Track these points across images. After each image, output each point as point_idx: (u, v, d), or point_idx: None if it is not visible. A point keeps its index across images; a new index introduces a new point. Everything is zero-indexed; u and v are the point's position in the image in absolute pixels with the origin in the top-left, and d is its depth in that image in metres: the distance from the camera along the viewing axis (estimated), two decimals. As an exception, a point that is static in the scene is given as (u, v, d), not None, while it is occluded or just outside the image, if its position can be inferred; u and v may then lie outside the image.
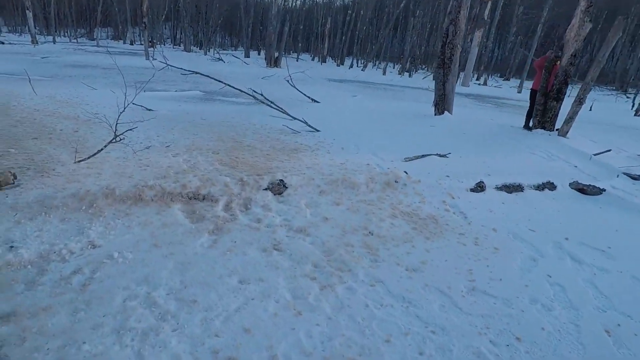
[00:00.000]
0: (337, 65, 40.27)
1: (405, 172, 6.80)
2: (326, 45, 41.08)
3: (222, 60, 29.73)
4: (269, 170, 6.75)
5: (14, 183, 5.32)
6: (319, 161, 7.68)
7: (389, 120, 12.22)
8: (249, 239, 4.70)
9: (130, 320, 3.36)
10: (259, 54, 42.06)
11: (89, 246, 4.28)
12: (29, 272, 3.82)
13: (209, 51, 39.30)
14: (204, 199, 5.34)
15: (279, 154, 8.07)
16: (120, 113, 7.07)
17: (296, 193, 5.83)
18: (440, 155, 8.43)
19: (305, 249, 4.62)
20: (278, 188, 5.75)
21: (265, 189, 5.70)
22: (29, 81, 11.55)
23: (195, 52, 42.18)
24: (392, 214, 5.64)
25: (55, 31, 43.67)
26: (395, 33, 54.83)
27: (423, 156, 8.30)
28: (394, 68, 41.24)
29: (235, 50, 49.97)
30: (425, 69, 43.12)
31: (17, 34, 47.94)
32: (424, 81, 31.30)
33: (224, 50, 43.93)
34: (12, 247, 4.04)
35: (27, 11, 34.50)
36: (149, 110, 10.78)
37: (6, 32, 49.50)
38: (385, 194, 6.22)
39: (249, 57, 35.42)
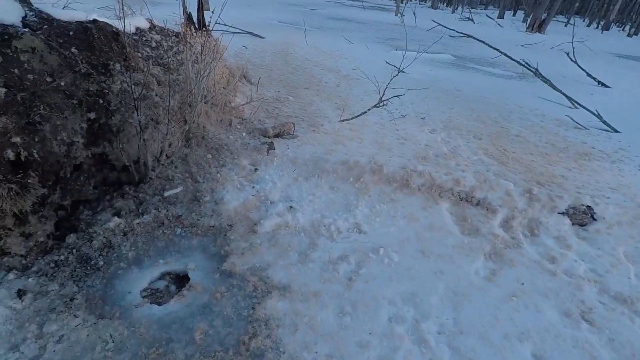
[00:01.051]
0: (629, 36, 30.09)
1: None
2: (617, 5, 30.31)
3: (472, 20, 26.54)
4: (552, 179, 5.02)
5: (292, 134, 5.52)
6: (628, 181, 5.34)
7: None
8: (542, 288, 3.38)
9: (397, 355, 2.73)
10: (513, 14, 35.98)
11: (355, 229, 3.91)
12: (302, 241, 3.70)
13: (456, 9, 36.20)
14: (477, 204, 4.25)
15: (562, 156, 6.06)
16: (392, 78, 6.53)
17: (609, 232, 4.02)
18: None
19: (634, 336, 2.99)
20: (581, 217, 4.08)
21: (562, 213, 4.12)
22: (304, 31, 12.65)
23: (442, 9, 39.68)
24: None
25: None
26: None
27: None
28: None
29: (485, 9, 44.51)
30: None
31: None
32: None
33: (473, 9, 39.66)
34: (291, 207, 4.03)
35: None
36: (401, 71, 10.14)
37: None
38: None
39: (502, 18, 30.62)
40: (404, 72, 10.13)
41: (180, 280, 3.37)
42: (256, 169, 4.52)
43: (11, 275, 2.98)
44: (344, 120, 6.26)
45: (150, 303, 3.03)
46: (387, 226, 3.97)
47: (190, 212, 3.84)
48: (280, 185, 4.35)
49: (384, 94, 6.37)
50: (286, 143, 5.20)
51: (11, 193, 2.83)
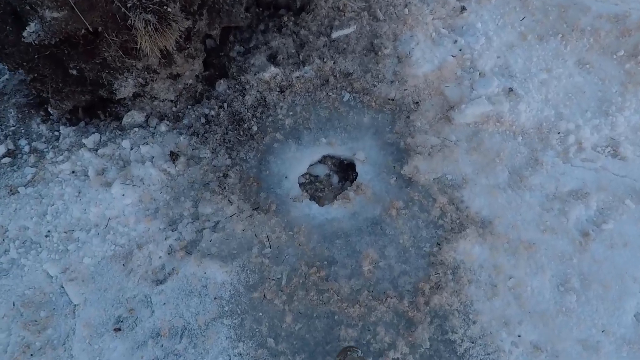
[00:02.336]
0: None
1: None
2: None
3: None
4: None
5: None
6: None
7: None
8: None
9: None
10: None
11: (608, 149, 2.51)
12: (518, 150, 2.52)
13: None
14: None
15: None
16: None
17: None
18: None
19: None
20: None
21: None
22: None
23: None
24: None
25: None
26: None
27: None
28: None
29: None
30: None
31: None
32: None
33: None
34: (510, 89, 2.63)
35: None
36: None
37: None
38: None
39: None
40: None
41: (345, 170, 2.64)
42: (463, 8, 2.92)
43: (163, 127, 2.54)
44: None
45: (310, 199, 2.43)
46: (669, 156, 2.42)
47: (364, 71, 2.74)
48: (498, 43, 2.80)
49: None
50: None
51: (149, 28, 2.04)
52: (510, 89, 2.62)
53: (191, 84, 2.68)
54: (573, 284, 2.09)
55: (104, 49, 2.14)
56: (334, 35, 2.86)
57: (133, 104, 2.59)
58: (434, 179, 2.40)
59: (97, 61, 2.20)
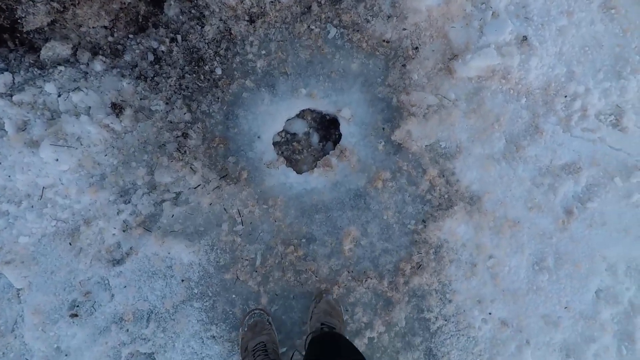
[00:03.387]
0: None
1: None
2: None
3: None
4: None
5: None
6: None
7: None
8: None
9: (588, 349, 2.06)
10: None
11: (611, 118, 2.31)
12: (518, 114, 2.27)
13: None
14: None
15: None
16: None
17: None
18: None
19: None
20: None
21: None
22: None
23: None
24: None
25: None
26: None
27: None
28: None
29: None
30: None
31: None
32: None
33: None
34: (524, 38, 2.24)
35: None
36: None
37: None
38: None
39: None
40: None
41: (326, 128, 2.29)
42: None
43: (98, 65, 1.98)
44: None
45: (287, 165, 2.13)
46: (669, 129, 2.30)
47: (356, 0, 2.19)
48: (519, -28, 2.29)
49: None
50: None
51: None
52: (525, 38, 2.23)
53: (130, 2, 2.02)
54: (548, 263, 2.11)
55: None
56: (320, -58, 2.18)
57: (52, 30, 1.94)
58: (426, 145, 2.15)
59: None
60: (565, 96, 2.26)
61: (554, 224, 2.14)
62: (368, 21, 2.19)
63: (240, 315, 1.90)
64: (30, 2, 1.63)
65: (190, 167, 1.95)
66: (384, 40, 2.21)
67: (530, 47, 2.22)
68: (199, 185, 1.95)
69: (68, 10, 1.76)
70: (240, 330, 1.83)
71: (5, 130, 1.85)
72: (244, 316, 1.86)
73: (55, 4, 1.70)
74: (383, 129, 2.16)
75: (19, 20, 1.70)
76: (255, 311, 1.85)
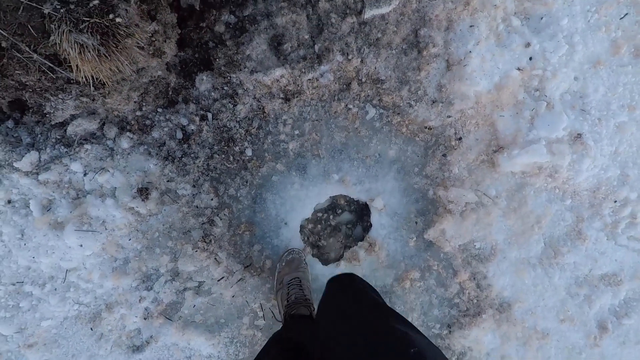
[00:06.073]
0: None
1: None
2: None
3: None
4: None
5: None
6: None
7: None
8: None
9: None
10: None
11: (663, 229, 2.14)
12: (562, 216, 2.14)
13: None
14: None
15: None
16: None
17: None
18: None
19: None
20: None
21: None
22: None
23: None
24: None
25: None
26: None
27: None
28: None
29: None
30: None
31: None
32: None
33: None
34: (579, 135, 2.07)
35: None
36: None
37: None
38: None
39: None
40: None
41: (357, 212, 2.19)
42: (552, -9, 2.06)
43: (125, 142, 1.90)
44: None
45: (313, 255, 2.06)
46: None
47: (401, 81, 2.03)
48: (582, 56, 2.09)
49: None
50: None
51: (89, 54, 1.27)
52: (579, 135, 2.06)
53: (160, 75, 1.91)
54: (573, 377, 2.04)
55: (16, 71, 1.36)
56: (368, 14, 2.00)
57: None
58: (459, 245, 2.05)
59: (11, 82, 1.43)
60: (615, 201, 2.10)
61: (585, 339, 2.05)
62: (411, 105, 2.04)
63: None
64: (58, 99, 1.54)
65: (215, 258, 1.90)
66: (426, 127, 2.07)
67: (584, 146, 2.05)
68: (223, 277, 1.90)
69: (97, 99, 1.66)
70: (278, 265, 1.90)
71: (30, 209, 1.81)
72: (282, 253, 1.93)
73: (84, 99, 1.60)
74: (416, 222, 2.06)
75: (46, 115, 1.61)
76: (294, 249, 1.93)
